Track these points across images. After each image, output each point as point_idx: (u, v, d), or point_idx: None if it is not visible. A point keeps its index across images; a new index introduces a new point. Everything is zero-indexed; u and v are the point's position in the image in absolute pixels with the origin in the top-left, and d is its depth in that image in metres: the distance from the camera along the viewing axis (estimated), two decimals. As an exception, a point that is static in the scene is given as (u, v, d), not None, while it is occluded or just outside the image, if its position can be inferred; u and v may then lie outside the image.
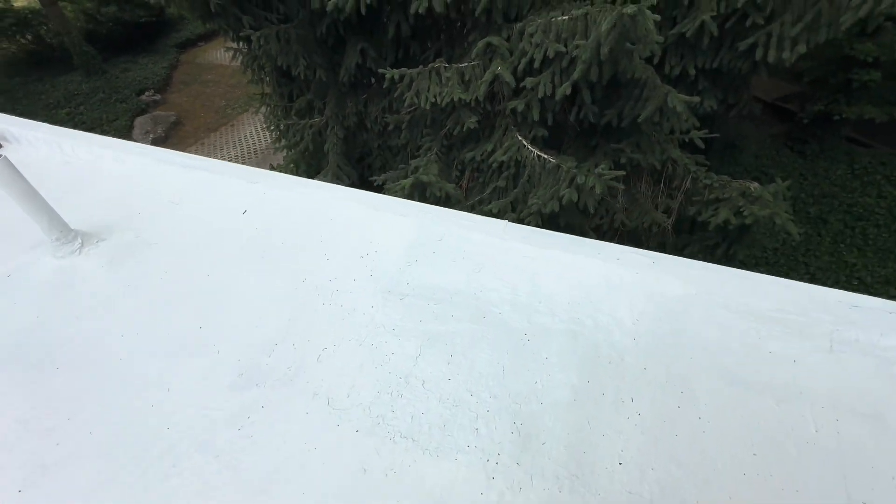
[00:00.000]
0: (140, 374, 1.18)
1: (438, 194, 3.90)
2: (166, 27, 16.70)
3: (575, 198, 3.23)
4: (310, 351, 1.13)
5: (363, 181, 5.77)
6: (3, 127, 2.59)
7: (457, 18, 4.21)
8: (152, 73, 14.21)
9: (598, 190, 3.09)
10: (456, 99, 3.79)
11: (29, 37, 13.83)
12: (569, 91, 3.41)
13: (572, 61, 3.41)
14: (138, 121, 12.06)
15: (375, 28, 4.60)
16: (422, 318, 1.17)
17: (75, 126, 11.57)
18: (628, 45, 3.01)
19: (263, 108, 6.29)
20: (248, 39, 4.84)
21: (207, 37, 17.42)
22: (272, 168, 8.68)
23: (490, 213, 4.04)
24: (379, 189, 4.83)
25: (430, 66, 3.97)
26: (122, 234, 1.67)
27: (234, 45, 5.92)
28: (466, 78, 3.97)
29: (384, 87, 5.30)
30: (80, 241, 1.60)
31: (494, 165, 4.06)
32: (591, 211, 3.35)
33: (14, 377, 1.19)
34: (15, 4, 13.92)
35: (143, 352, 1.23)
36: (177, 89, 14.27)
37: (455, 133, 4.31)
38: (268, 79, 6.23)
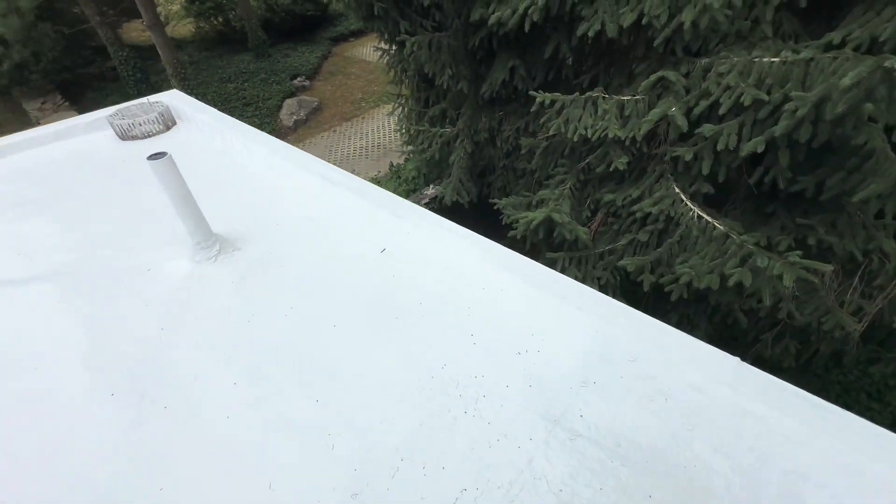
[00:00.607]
0: (239, 439, 0.99)
1: (568, 237, 3.49)
2: (326, 21, 18.37)
3: (747, 281, 2.60)
4: (446, 487, 0.84)
5: (481, 199, 5.54)
6: (181, 106, 2.76)
7: (626, 46, 3.76)
8: (306, 61, 15.67)
9: (786, 281, 2.43)
10: (611, 135, 3.34)
11: (220, 19, 16.10)
12: (761, 148, 2.78)
13: (773, 113, 2.78)
14: (287, 102, 13.33)
15: (531, 45, 4.32)
16: (602, 483, 0.81)
17: (237, 99, 13.14)
18: (869, 105, 2.33)
19: (398, 110, 6.39)
20: (400, 43, 4.87)
21: (358, 34, 18.81)
22: (391, 167, 8.92)
23: (621, 269, 3.52)
24: (497, 214, 4.55)
25: (586, 94, 3.58)
26: (257, 247, 1.56)
27: (384, 45, 6.09)
28: (626, 113, 3.50)
29: (524, 106, 5.03)
30: (217, 248, 1.51)
31: (638, 215, 3.53)
32: (768, 302, 2.69)
33: (120, 400, 1.08)
34: (215, -9, 16.29)
35: (248, 411, 1.05)
36: (323, 78, 15.56)
37: (596, 170, 3.86)
38: (408, 82, 6.31)
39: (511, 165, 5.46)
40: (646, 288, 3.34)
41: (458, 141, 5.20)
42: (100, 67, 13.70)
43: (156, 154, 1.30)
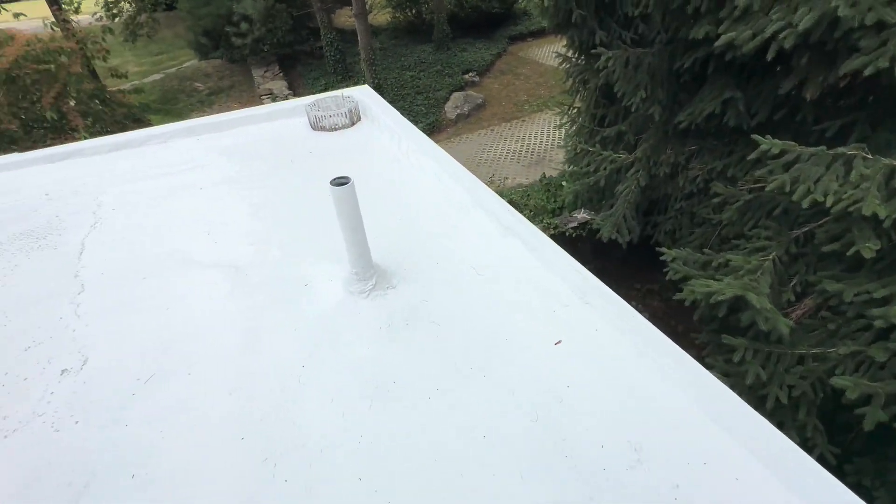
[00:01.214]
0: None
1: (763, 327, 2.73)
2: (508, 20, 18.46)
3: None
4: None
5: (642, 239, 4.84)
6: (369, 103, 2.81)
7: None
8: (480, 57, 15.96)
9: None
10: (866, 212, 2.48)
11: (413, 11, 17.33)
12: None
13: None
14: (454, 95, 13.76)
15: (758, 76, 3.49)
16: None
17: (412, 87, 14.00)
18: None
19: (567, 124, 5.94)
20: (592, 55, 4.42)
21: (537, 34, 18.51)
22: (543, 179, 8.49)
23: (832, 388, 2.64)
24: (653, 252, 3.86)
25: (836, 149, 2.72)
26: (413, 292, 1.39)
27: (569, 52, 5.67)
28: (895, 185, 2.56)
29: (727, 144, 4.18)
30: (373, 282, 1.37)
31: (878, 324, 2.59)
32: None
33: (246, 451, 0.98)
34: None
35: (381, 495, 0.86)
36: (493, 76, 15.70)
37: (820, 246, 2.96)
38: (585, 94, 5.81)
39: (689, 209, 4.64)
40: (868, 425, 2.44)
41: (632, 171, 4.57)
42: (311, 46, 15.90)
43: (339, 179, 1.19)
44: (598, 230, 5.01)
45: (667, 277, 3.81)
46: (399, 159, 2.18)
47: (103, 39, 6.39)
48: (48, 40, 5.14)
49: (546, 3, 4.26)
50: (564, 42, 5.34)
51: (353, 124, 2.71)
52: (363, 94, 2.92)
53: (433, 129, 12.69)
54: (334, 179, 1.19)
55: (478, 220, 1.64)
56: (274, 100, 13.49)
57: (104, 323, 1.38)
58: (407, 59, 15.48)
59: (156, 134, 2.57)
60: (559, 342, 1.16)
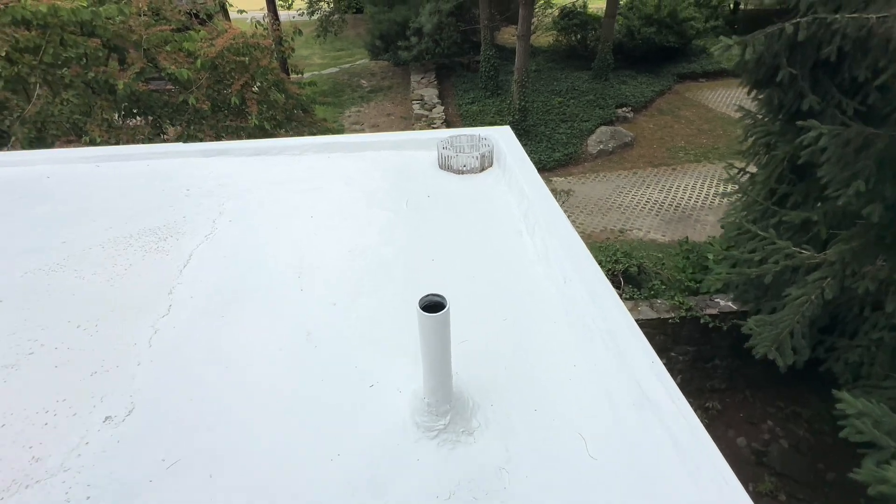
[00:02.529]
0: None
1: None
2: (680, 56, 16.80)
3: None
4: None
5: (810, 363, 3.76)
6: (504, 147, 2.51)
7: None
8: (640, 92, 14.77)
9: None
10: None
11: (578, 36, 16.77)
12: None
13: None
14: (601, 129, 12.91)
15: None
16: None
17: (557, 113, 13.48)
18: None
19: (737, 196, 4.95)
20: (792, 127, 3.54)
21: (712, 76, 16.57)
22: (685, 242, 7.37)
23: None
24: (819, 389, 2.87)
25: None
26: (494, 449, 1.04)
27: (759, 114, 4.73)
28: None
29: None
30: (447, 420, 1.05)
31: None
32: None
33: None
34: (588, 9, 17.02)
35: None
36: (651, 114, 14.40)
37: None
38: (766, 161, 4.80)
39: (892, 344, 3.45)
40: None
41: (816, 275, 3.56)
42: (469, 59, 16.40)
43: (432, 299, 0.89)
44: (740, 326, 4.04)
45: (840, 435, 2.83)
46: (521, 232, 1.84)
47: (292, 39, 7.20)
48: (250, 36, 5.90)
49: (747, 56, 3.50)
50: (756, 97, 4.45)
51: (482, 170, 2.44)
52: (501, 136, 2.63)
53: (570, 160, 12.05)
54: (424, 298, 0.90)
55: (607, 370, 1.21)
56: (423, 105, 14.15)
57: (163, 366, 1.29)
58: (560, 84, 15.02)
59: (292, 146, 2.61)
60: None
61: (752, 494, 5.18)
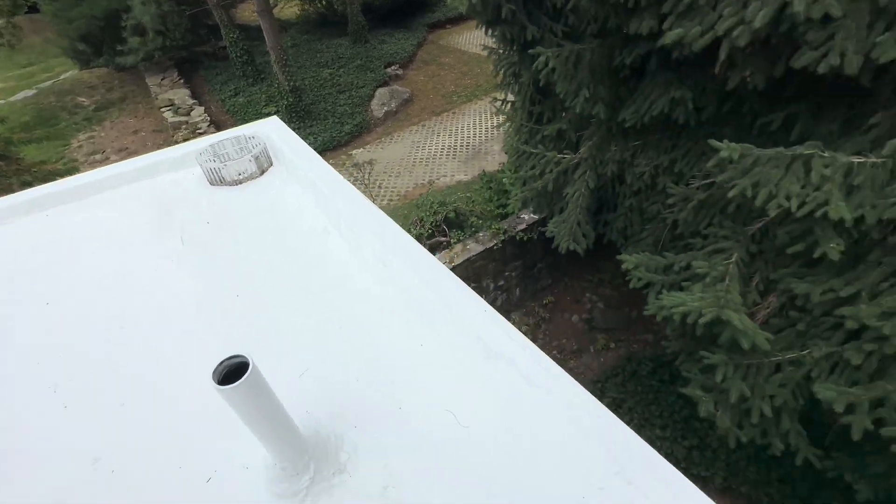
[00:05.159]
0: None
1: (745, 346, 2.59)
2: (423, 7, 17.84)
3: None
4: None
5: (597, 239, 4.68)
6: (278, 141, 2.26)
7: (858, 87, 2.68)
8: (402, 48, 15.29)
9: None
10: (834, 217, 2.37)
11: (324, 3, 16.19)
12: None
13: None
14: (379, 91, 13.06)
15: (705, 71, 3.35)
16: None
17: (332, 85, 13.06)
18: None
19: (506, 124, 5.63)
20: (527, 55, 4.10)
21: (456, 21, 18.11)
22: (483, 176, 8.20)
23: (810, 392, 2.56)
24: (609, 255, 3.69)
25: (795, 150, 2.60)
26: (373, 474, 0.96)
27: (496, 45, 5.35)
28: (856, 181, 2.48)
29: (670, 139, 4.07)
30: (310, 474, 0.92)
31: (848, 325, 2.53)
32: None
33: None
34: (322, -27, 16.38)
35: None
36: (417, 67, 15.12)
37: (785, 248, 2.88)
38: (519, 90, 5.53)
39: (638, 206, 4.53)
40: (856, 435, 2.37)
41: (580, 172, 4.36)
42: (213, 47, 14.36)
43: (230, 363, 0.72)
44: (545, 231, 4.79)
45: (630, 286, 3.65)
46: (328, 230, 1.70)
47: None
48: None
49: (474, 0, 3.85)
50: (493, 34, 4.99)
51: (262, 173, 2.16)
52: (272, 129, 2.36)
53: (361, 130, 11.96)
54: (221, 366, 0.72)
55: (450, 336, 1.22)
56: (176, 111, 12.02)
57: None
58: (323, 56, 14.46)
59: (-18, 217, 1.87)
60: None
61: (593, 353, 6.45)
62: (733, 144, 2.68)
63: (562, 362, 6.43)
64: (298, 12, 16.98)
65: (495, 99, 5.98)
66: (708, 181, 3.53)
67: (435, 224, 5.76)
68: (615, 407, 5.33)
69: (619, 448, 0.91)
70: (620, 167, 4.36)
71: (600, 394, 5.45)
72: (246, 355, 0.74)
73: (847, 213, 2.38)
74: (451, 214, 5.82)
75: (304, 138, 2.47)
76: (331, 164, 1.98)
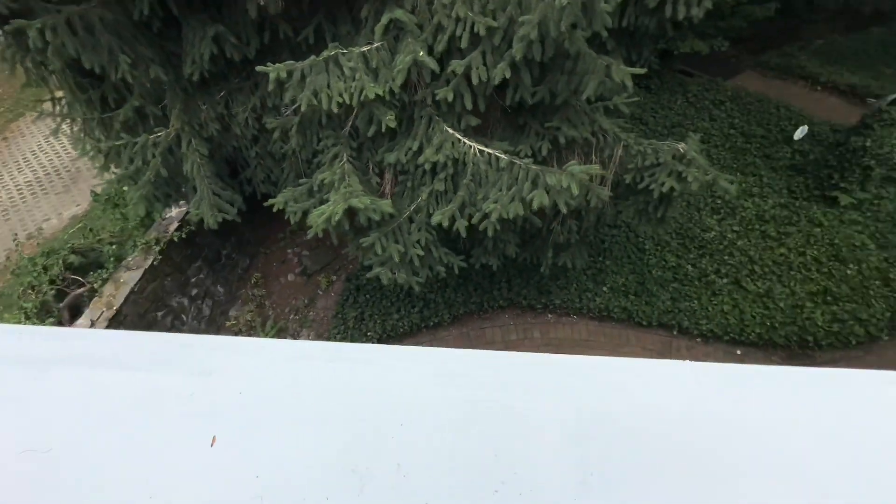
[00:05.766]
0: None
1: (375, 217, 3.19)
2: None
3: (545, 200, 2.87)
4: None
5: (248, 201, 4.60)
6: None
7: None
8: None
9: (574, 190, 2.76)
10: (370, 96, 3.02)
11: None
12: (508, 73, 2.93)
13: (505, 37, 2.91)
14: None
15: (227, 5, 3.41)
16: None
17: None
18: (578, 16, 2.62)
19: (65, 124, 4.49)
20: (18, 34, 3.19)
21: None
22: (95, 197, 6.57)
23: (435, 224, 3.48)
24: (279, 215, 3.84)
25: (324, 55, 3.07)
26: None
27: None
28: (374, 65, 3.19)
29: (248, 79, 4.16)
30: None
31: (427, 167, 3.46)
32: (565, 210, 3.05)
33: None
34: None
35: None
36: None
37: (367, 133, 3.54)
38: (56, 80, 4.43)
39: (266, 151, 4.62)
40: (463, 233, 3.41)
41: (185, 144, 4.02)
42: None
43: None
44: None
45: (291, 222, 3.86)
46: None
47: None
48: None
49: None
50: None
51: None
52: None
53: None
54: None
55: None
56: None
57: None
58: None
59: None
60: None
61: (323, 294, 6.77)
62: (278, 65, 2.96)
63: (303, 317, 6.55)
64: None
65: (38, 100, 4.61)
66: (296, 105, 3.86)
67: (56, 280, 4.41)
68: (359, 321, 5.92)
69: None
70: (223, 123, 4.25)
71: (342, 320, 5.92)
72: None
73: (379, 90, 3.08)
74: (72, 259, 4.55)
75: None
76: None
